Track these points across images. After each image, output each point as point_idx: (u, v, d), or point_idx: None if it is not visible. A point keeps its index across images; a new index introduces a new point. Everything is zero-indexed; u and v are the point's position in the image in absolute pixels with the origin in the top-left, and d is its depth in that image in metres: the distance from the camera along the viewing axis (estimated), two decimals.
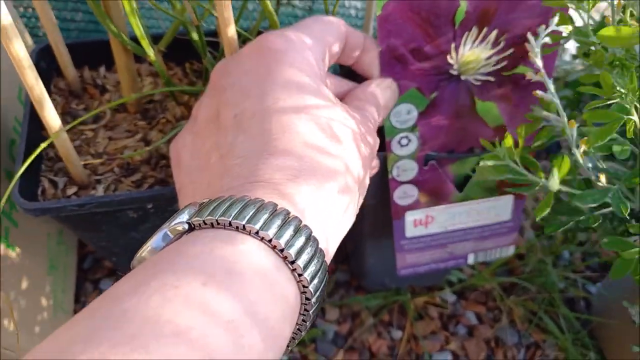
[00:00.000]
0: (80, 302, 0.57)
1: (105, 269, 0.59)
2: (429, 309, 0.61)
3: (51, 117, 0.30)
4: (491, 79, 0.38)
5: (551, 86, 0.31)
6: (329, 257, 0.25)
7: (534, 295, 0.62)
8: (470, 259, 0.51)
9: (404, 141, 0.41)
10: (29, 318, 0.43)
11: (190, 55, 0.42)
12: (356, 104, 0.33)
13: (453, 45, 0.36)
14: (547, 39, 0.31)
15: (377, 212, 0.47)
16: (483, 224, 0.47)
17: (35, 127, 0.36)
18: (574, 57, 0.56)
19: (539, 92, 0.31)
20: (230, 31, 0.29)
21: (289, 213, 0.23)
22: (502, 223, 0.47)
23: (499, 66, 0.38)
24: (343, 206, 0.27)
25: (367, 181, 0.31)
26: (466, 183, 0.45)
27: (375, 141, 0.32)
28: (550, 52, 0.35)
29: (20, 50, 0.27)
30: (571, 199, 0.29)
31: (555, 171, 0.29)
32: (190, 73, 0.42)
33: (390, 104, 0.36)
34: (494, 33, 0.36)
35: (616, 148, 0.29)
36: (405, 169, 0.42)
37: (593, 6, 0.31)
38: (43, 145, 0.30)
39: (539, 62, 0.30)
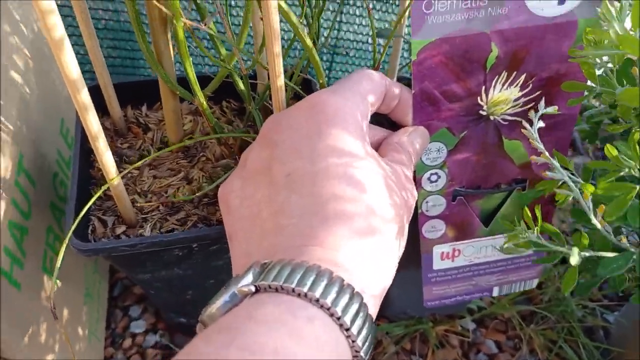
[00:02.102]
0: (110, 328, 0.58)
1: (134, 295, 0.60)
2: (450, 337, 0.62)
3: (110, 164, 0.32)
4: (519, 119, 0.40)
5: (557, 165, 0.32)
6: (375, 310, 0.28)
7: (553, 325, 0.63)
8: (495, 292, 0.52)
9: (434, 177, 0.42)
10: (68, 348, 0.45)
11: (228, 94, 0.44)
12: (392, 154, 0.35)
13: (483, 88, 0.38)
14: (542, 124, 0.33)
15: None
16: (508, 257, 0.49)
17: (84, 165, 0.38)
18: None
19: (548, 173, 0.32)
20: (279, 82, 0.31)
21: (343, 281, 0.25)
22: (526, 256, 0.49)
23: (527, 107, 0.39)
24: (391, 260, 0.30)
25: (407, 229, 0.33)
26: (492, 217, 0.46)
27: (413, 191, 0.34)
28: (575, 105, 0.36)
29: (85, 98, 0.29)
30: (595, 268, 0.31)
31: (575, 249, 0.30)
32: (228, 112, 0.44)
33: (423, 149, 0.38)
34: (523, 76, 0.38)
35: (631, 219, 0.30)
36: (434, 204, 0.44)
37: (619, 61, 0.33)
38: (100, 191, 0.32)
39: (539, 146, 0.32)
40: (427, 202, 0.43)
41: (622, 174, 0.30)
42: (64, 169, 0.48)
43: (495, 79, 0.38)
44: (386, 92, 0.36)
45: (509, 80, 0.38)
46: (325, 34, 0.52)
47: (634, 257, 0.30)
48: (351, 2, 0.51)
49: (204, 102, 0.34)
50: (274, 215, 0.29)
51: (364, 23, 0.53)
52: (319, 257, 0.26)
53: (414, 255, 0.47)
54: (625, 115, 0.34)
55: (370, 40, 0.56)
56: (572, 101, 0.36)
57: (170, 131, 0.39)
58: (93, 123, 0.29)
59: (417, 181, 0.42)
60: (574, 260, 0.30)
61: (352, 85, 0.33)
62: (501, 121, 0.40)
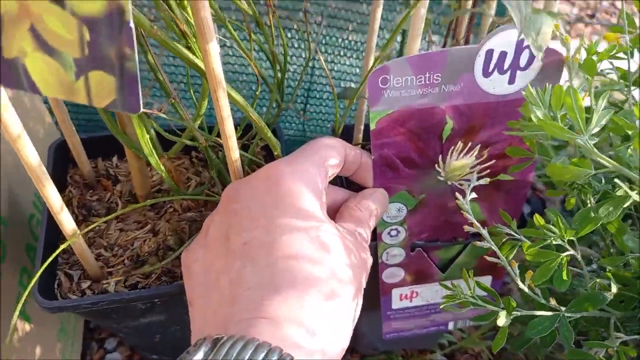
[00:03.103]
0: None
1: None
2: None
3: (68, 225, 0.33)
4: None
5: (486, 234, 0.34)
6: None
7: (522, 359, 0.64)
8: (451, 326, 0.54)
9: (394, 232, 0.44)
10: None
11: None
12: (352, 214, 0.36)
13: (440, 156, 0.39)
14: (474, 194, 0.35)
15: (368, 287, 0.50)
16: None
17: (54, 221, 0.39)
18: None
19: (478, 243, 0.34)
20: (234, 156, 0.32)
21: (292, 359, 0.26)
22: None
23: (483, 173, 0.41)
24: (349, 322, 0.31)
25: (363, 286, 0.34)
26: (450, 264, 0.48)
27: (367, 255, 0.35)
28: (527, 166, 0.38)
29: (46, 181, 0.30)
30: (523, 330, 0.33)
31: (503, 312, 0.32)
32: (196, 162, 0.45)
33: (382, 210, 0.39)
34: (478, 147, 0.39)
35: (556, 284, 0.32)
36: (394, 255, 0.45)
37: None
38: (59, 250, 0.33)
39: (470, 218, 0.34)
40: (387, 253, 0.45)
41: (548, 241, 0.32)
42: (40, 209, 0.49)
43: (452, 148, 0.39)
44: (346, 158, 0.37)
45: (465, 150, 0.39)
46: (298, 77, 0.53)
47: (559, 321, 0.32)
48: (323, 50, 0.52)
49: (164, 172, 0.36)
50: (230, 284, 0.30)
51: (335, 69, 0.54)
52: (270, 332, 0.27)
53: (379, 297, 0.49)
54: (558, 183, 0.36)
55: (343, 85, 0.57)
56: (513, 167, 0.38)
57: (137, 187, 0.41)
58: (54, 198, 0.30)
59: (377, 236, 0.43)
60: (501, 322, 0.32)
61: (309, 155, 0.34)
62: (459, 186, 0.41)
